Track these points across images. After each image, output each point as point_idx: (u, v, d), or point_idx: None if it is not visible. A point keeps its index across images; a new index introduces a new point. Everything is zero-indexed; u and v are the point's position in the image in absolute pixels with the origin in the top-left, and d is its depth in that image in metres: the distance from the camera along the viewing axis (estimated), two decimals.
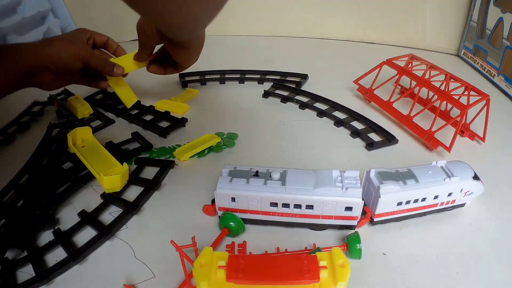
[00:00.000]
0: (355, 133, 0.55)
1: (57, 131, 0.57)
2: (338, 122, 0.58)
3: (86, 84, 0.57)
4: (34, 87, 0.51)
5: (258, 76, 0.73)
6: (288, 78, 0.72)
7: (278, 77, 0.73)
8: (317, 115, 0.60)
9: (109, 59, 0.56)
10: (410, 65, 0.59)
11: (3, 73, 0.46)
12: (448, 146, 0.49)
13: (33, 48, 0.48)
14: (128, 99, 0.58)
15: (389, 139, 0.53)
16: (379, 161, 0.49)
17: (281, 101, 0.64)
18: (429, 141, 0.51)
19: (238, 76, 0.73)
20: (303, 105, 0.62)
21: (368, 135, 0.55)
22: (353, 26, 0.94)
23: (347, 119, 0.59)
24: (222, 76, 0.73)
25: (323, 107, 0.62)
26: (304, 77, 0.72)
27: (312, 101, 0.64)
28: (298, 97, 0.65)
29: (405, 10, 0.87)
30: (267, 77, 0.73)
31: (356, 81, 0.64)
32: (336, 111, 0.61)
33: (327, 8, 0.92)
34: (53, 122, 0.58)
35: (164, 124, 0.57)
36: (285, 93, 0.66)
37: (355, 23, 0.93)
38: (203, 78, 0.73)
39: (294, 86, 0.69)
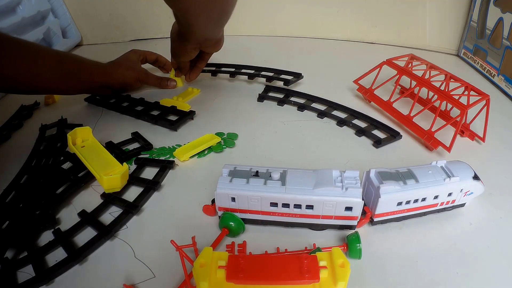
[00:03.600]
0: (360, 131, 0.55)
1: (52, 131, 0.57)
2: (341, 122, 0.58)
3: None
4: (95, 94, 0.66)
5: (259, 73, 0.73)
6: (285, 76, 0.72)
7: (286, 79, 0.72)
8: (317, 116, 0.60)
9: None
10: (410, 65, 0.59)
11: (81, 84, 0.60)
12: (448, 146, 0.49)
13: (106, 70, 0.63)
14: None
15: (393, 135, 0.54)
16: (379, 161, 0.49)
17: (277, 104, 0.64)
18: (429, 141, 0.51)
19: (231, 70, 0.73)
20: (301, 107, 0.62)
21: (372, 132, 0.55)
22: (353, 26, 0.94)
23: (348, 117, 0.59)
24: (218, 69, 0.74)
25: (321, 107, 0.62)
26: (298, 76, 0.70)
27: (309, 102, 0.64)
28: (293, 99, 0.64)
29: (405, 10, 0.87)
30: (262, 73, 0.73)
31: (356, 81, 0.64)
32: (335, 111, 0.61)
33: (327, 8, 0.92)
34: (44, 123, 0.58)
35: (172, 118, 0.58)
36: (280, 95, 0.66)
37: (355, 23, 0.93)
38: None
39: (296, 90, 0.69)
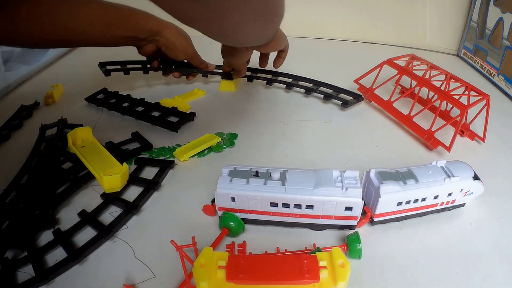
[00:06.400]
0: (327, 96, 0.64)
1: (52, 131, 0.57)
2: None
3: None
4: (135, 46, 0.62)
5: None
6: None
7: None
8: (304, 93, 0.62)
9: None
10: (410, 65, 0.59)
11: (125, 34, 0.57)
12: (448, 146, 0.49)
13: (159, 20, 0.58)
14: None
15: (356, 98, 0.62)
16: (379, 161, 0.49)
17: (285, 90, 0.64)
18: (429, 140, 0.51)
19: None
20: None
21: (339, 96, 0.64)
22: (353, 26, 0.94)
23: (333, 93, 0.65)
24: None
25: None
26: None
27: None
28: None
29: (405, 10, 0.87)
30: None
31: (356, 81, 0.65)
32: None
33: (327, 8, 0.92)
34: (44, 123, 0.58)
35: (173, 119, 0.58)
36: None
37: (355, 23, 0.93)
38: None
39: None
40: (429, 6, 0.85)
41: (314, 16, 0.94)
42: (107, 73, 0.66)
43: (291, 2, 0.91)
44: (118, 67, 0.68)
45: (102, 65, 0.68)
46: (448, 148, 0.49)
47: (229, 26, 0.32)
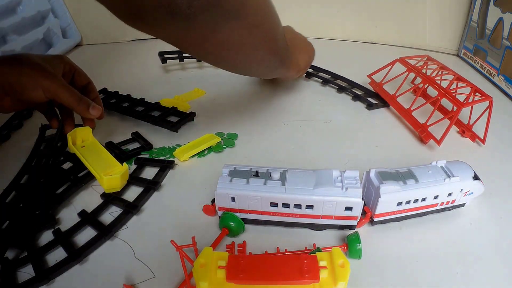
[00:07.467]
0: (356, 98, 0.64)
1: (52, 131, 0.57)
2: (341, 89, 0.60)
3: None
4: None
5: None
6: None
7: None
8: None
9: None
10: (420, 64, 0.61)
11: None
12: (438, 139, 0.49)
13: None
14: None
15: (382, 102, 0.62)
16: (379, 161, 0.49)
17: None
18: (422, 134, 0.52)
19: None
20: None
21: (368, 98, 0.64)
22: (353, 26, 0.94)
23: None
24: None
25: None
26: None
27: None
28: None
29: (405, 10, 0.87)
30: None
31: (369, 76, 0.67)
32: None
33: (327, 8, 0.92)
34: (44, 123, 0.58)
35: (173, 119, 0.58)
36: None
37: (355, 23, 0.93)
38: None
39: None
40: (429, 6, 0.85)
41: (314, 16, 0.94)
42: (164, 61, 0.77)
43: (292, 2, 0.92)
44: (176, 55, 0.78)
45: (161, 54, 0.78)
46: (439, 142, 0.49)
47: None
